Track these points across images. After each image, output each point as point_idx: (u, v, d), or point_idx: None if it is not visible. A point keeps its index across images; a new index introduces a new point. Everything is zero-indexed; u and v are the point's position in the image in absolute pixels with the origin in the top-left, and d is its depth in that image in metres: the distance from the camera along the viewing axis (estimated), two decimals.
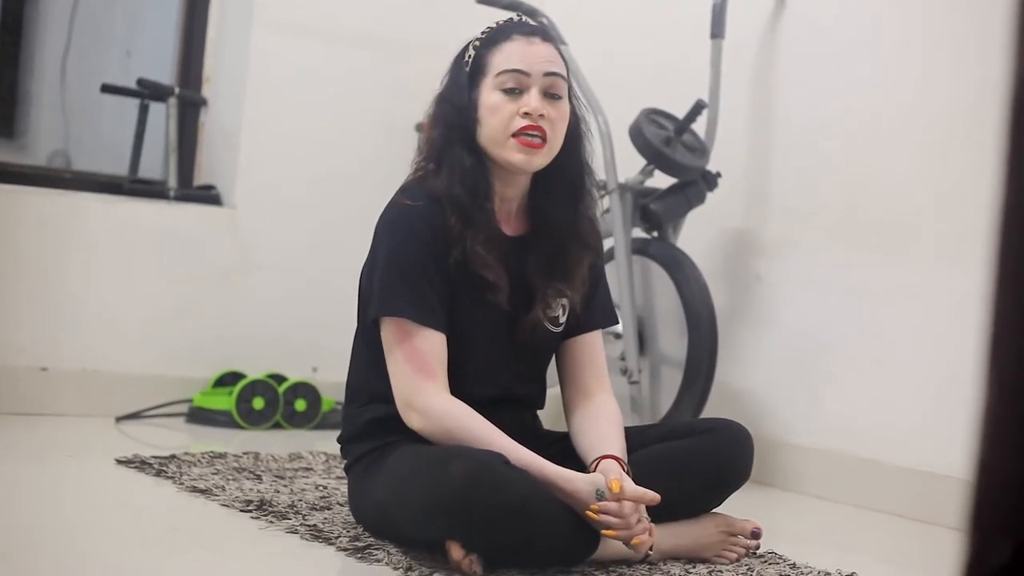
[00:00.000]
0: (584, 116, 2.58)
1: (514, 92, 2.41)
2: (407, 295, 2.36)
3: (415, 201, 2.41)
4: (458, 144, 2.44)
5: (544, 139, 2.40)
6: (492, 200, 2.45)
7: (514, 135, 2.39)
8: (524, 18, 2.56)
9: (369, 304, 2.43)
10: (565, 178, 2.51)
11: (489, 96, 2.42)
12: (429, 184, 2.44)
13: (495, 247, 2.42)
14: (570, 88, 2.52)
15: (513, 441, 2.30)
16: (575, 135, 2.52)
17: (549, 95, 2.42)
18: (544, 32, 2.51)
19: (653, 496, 2.26)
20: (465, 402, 2.35)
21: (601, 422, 2.47)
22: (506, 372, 2.51)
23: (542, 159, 2.43)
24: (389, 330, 2.39)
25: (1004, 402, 0.75)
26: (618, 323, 2.78)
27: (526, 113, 2.39)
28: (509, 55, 2.43)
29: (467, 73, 2.46)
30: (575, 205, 2.53)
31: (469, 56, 2.47)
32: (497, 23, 2.52)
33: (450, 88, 2.50)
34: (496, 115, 2.40)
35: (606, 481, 2.26)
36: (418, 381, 2.34)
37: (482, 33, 2.50)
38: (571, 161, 2.52)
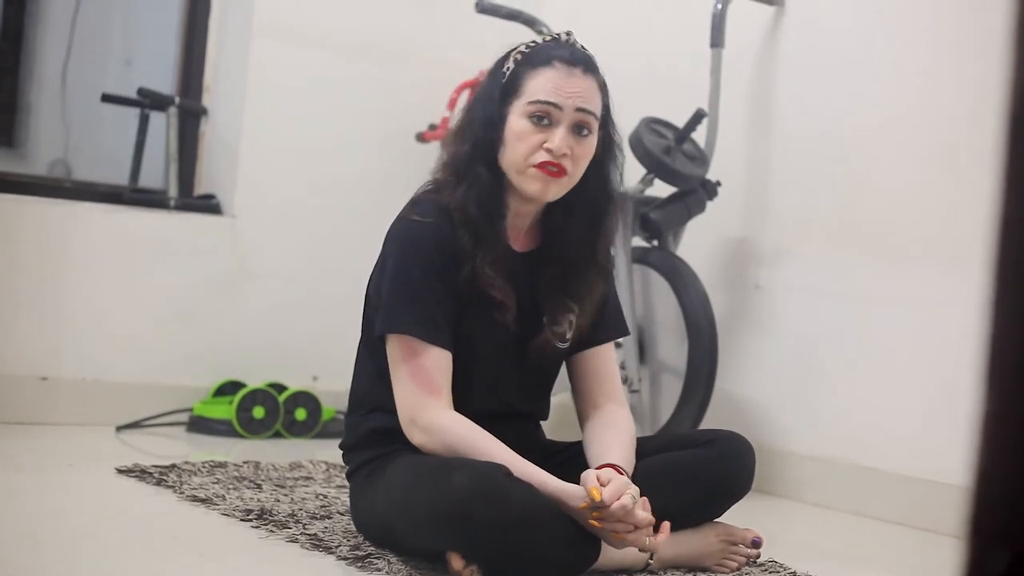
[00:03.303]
0: (619, 141, 2.52)
1: (542, 122, 2.36)
2: (413, 312, 2.35)
3: (425, 217, 2.39)
4: (481, 162, 2.41)
5: (564, 172, 2.37)
6: (505, 218, 2.44)
7: (534, 165, 2.37)
8: (572, 38, 2.47)
9: (375, 318, 2.43)
10: (586, 201, 2.47)
11: (518, 121, 2.37)
12: (443, 197, 2.42)
13: (504, 266, 2.41)
14: (607, 114, 2.46)
15: (516, 455, 2.29)
16: (604, 159, 2.47)
17: (577, 130, 2.38)
18: (587, 61, 2.43)
19: (624, 502, 2.21)
20: (469, 417, 2.34)
21: (606, 432, 2.46)
22: (512, 388, 2.51)
23: (558, 190, 2.39)
24: (395, 347, 2.38)
25: (1003, 410, 0.75)
26: (628, 333, 2.75)
27: (549, 149, 2.35)
28: (545, 84, 2.37)
29: (502, 86, 2.41)
30: (595, 228, 2.50)
31: (507, 69, 2.42)
32: (545, 39, 2.45)
33: (482, 99, 2.46)
34: (521, 143, 2.36)
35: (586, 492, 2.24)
36: (422, 398, 2.34)
37: (526, 47, 2.44)
38: (594, 184, 2.47)
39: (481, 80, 2.49)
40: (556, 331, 2.49)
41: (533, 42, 2.46)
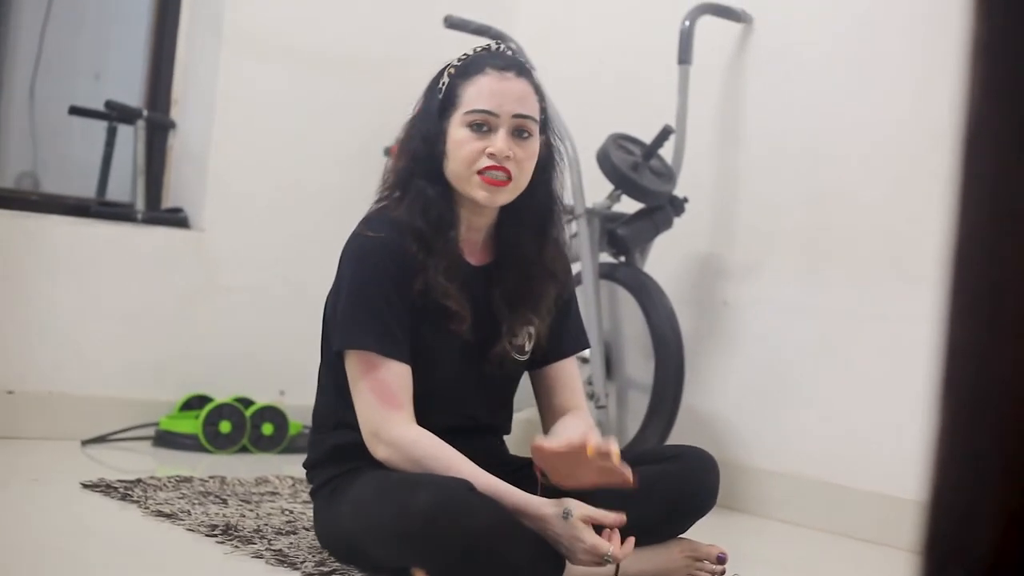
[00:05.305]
0: (558, 146, 2.56)
1: (482, 130, 2.39)
2: (371, 327, 2.36)
3: (378, 232, 2.41)
4: (423, 175, 2.43)
5: (509, 177, 2.39)
6: (456, 229, 2.45)
7: (479, 172, 2.38)
8: (502, 46, 2.52)
9: (333, 335, 2.43)
10: (534, 208, 2.50)
11: (457, 131, 2.40)
12: (392, 213, 2.44)
13: (457, 276, 2.42)
14: (545, 118, 2.50)
15: (481, 469, 2.30)
16: (547, 165, 2.51)
17: (517, 133, 2.41)
18: (519, 66, 2.47)
19: (617, 518, 2.25)
20: (432, 431, 2.34)
21: (567, 418, 2.51)
22: (473, 401, 2.51)
23: (506, 196, 2.42)
24: (353, 362, 2.38)
25: (957, 430, 0.75)
26: (590, 346, 2.78)
27: (492, 154, 2.38)
28: (480, 92, 2.40)
29: (439, 101, 2.44)
30: (543, 235, 2.52)
31: (443, 84, 2.45)
32: (475, 50, 2.49)
33: (420, 116, 2.49)
34: (462, 151, 2.39)
35: (569, 509, 2.25)
36: (384, 412, 2.34)
37: (458, 60, 2.47)
38: (541, 191, 2.50)
39: (419, 99, 2.51)
40: (515, 343, 2.50)
41: (465, 55, 2.49)
